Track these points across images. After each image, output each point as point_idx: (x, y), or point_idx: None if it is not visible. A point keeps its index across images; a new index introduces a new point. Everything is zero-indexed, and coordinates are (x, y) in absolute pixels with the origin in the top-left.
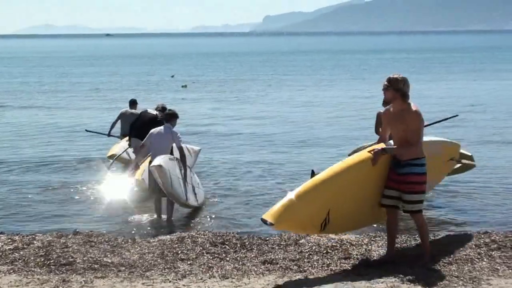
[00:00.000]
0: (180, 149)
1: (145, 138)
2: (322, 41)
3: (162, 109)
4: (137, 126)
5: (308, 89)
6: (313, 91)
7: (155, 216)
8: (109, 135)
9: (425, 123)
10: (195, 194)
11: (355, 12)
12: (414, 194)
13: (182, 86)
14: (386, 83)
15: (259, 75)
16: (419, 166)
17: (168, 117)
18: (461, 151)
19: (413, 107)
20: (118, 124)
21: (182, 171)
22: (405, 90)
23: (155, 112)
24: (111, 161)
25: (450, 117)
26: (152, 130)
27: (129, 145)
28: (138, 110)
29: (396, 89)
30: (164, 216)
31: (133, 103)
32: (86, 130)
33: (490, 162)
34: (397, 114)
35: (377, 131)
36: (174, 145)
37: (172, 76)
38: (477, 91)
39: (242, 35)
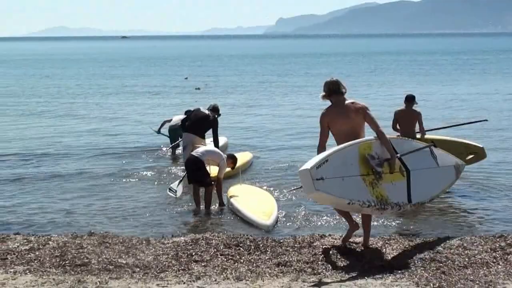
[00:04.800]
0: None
1: (199, 148)
2: (336, 43)
3: (213, 108)
4: (189, 122)
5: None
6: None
7: (194, 206)
8: (158, 132)
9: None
10: None
11: (369, 15)
12: None
13: (196, 89)
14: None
15: (274, 78)
16: None
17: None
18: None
19: None
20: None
21: None
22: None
23: (207, 112)
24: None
25: (478, 121)
26: (213, 149)
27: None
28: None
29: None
30: (202, 206)
31: (188, 113)
32: (152, 129)
33: (504, 164)
34: None
35: (394, 127)
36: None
37: (186, 78)
38: None
39: (256, 38)
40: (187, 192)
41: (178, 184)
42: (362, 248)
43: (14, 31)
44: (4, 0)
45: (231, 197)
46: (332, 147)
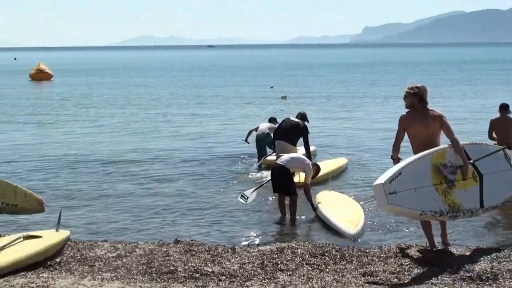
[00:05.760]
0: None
1: (283, 156)
2: (424, 52)
3: (302, 116)
4: (281, 131)
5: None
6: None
7: (280, 215)
8: (245, 141)
9: None
10: None
11: (456, 23)
12: None
13: (282, 98)
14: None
15: (364, 87)
16: None
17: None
18: None
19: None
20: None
21: None
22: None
23: (297, 120)
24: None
25: None
26: (297, 155)
27: (273, 149)
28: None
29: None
30: (288, 215)
31: (272, 120)
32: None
33: None
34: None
35: (490, 136)
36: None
37: (272, 87)
38: None
39: (341, 46)
40: (273, 200)
41: (252, 192)
42: (443, 247)
43: (101, 41)
44: (91, 10)
45: (318, 203)
46: (408, 156)
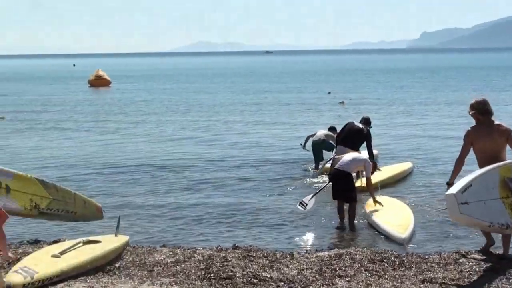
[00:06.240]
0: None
1: (341, 161)
2: (483, 57)
3: (366, 121)
4: (343, 135)
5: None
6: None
7: (339, 221)
8: (303, 147)
9: None
10: None
11: None
12: None
13: (339, 103)
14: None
15: (425, 93)
16: None
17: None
18: None
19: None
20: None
21: None
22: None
23: (361, 126)
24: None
25: None
26: (354, 156)
27: (335, 153)
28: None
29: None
30: (346, 220)
31: (332, 129)
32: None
33: None
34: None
35: None
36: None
37: (329, 93)
38: None
39: (399, 52)
40: (333, 206)
41: (311, 198)
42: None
43: (158, 47)
44: (148, 17)
45: (369, 209)
46: (475, 170)
